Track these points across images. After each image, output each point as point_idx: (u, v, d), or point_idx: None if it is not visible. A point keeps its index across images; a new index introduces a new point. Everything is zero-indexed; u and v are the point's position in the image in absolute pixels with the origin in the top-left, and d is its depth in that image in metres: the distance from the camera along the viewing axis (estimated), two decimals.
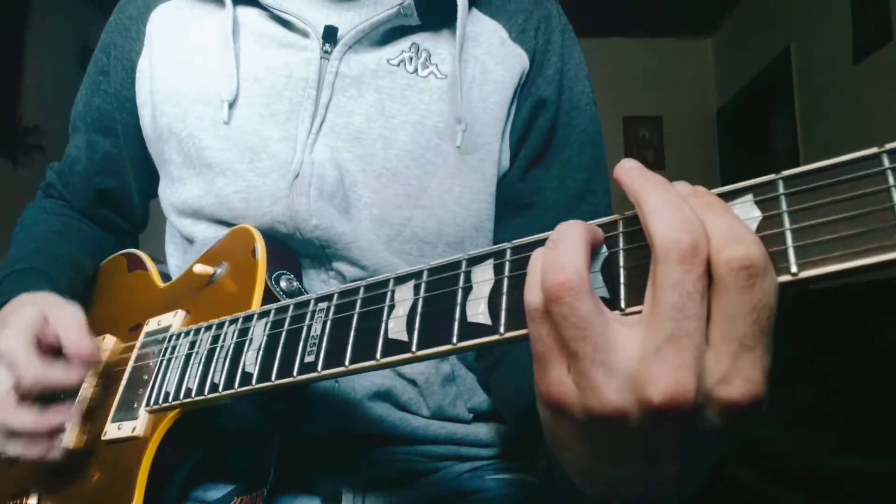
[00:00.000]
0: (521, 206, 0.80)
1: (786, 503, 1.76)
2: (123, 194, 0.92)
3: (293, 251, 0.73)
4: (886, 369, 2.18)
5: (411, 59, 0.76)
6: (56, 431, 0.64)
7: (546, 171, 0.80)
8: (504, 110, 0.77)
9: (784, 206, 0.31)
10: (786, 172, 0.31)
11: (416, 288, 0.44)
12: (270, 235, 0.71)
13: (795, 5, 3.71)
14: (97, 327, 0.80)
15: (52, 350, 0.66)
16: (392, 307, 0.45)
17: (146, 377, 0.66)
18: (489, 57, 0.77)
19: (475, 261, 0.42)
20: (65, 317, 0.67)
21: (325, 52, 0.74)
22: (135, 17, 0.84)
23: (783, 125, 3.99)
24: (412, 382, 0.74)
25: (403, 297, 0.44)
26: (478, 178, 0.76)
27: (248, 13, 0.78)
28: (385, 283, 0.47)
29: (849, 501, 1.63)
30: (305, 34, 0.75)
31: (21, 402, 0.63)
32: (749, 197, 0.32)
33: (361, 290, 0.48)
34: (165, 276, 0.83)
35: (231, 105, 0.74)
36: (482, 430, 0.77)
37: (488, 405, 0.78)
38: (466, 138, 0.75)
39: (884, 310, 2.05)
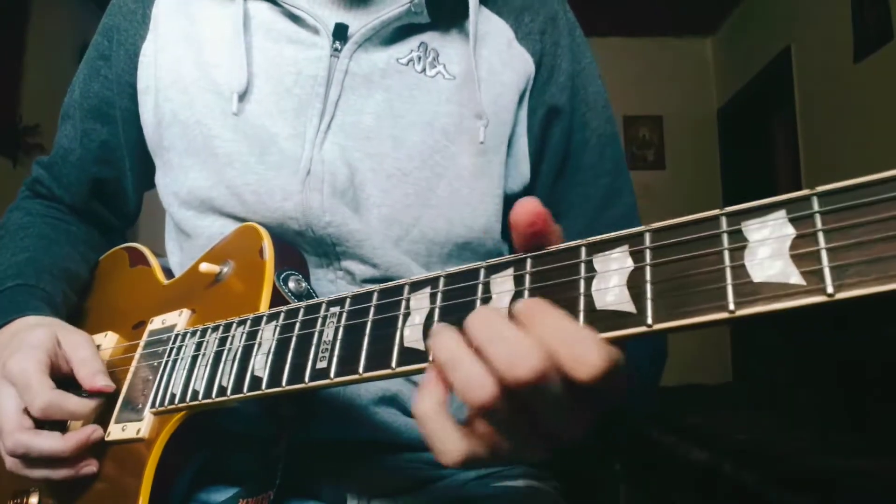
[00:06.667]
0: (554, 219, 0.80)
1: None
2: (117, 186, 0.89)
3: (301, 251, 0.72)
4: (887, 369, 2.18)
5: (420, 58, 0.75)
6: (82, 451, 0.63)
7: (569, 179, 0.80)
8: (511, 114, 0.77)
9: (819, 224, 0.30)
10: (821, 188, 0.30)
11: (433, 296, 0.43)
12: (280, 232, 0.71)
13: (795, 5, 3.71)
14: (98, 323, 0.79)
15: (62, 375, 0.65)
16: (408, 315, 0.44)
17: (150, 377, 0.65)
18: (497, 58, 0.77)
19: (494, 269, 0.42)
20: (78, 345, 0.67)
21: (335, 49, 0.74)
22: (140, 1, 0.82)
23: (783, 125, 3.98)
24: (419, 386, 0.73)
25: (419, 304, 0.44)
26: (486, 179, 0.75)
27: (258, 6, 0.77)
28: (400, 289, 0.46)
29: (850, 502, 1.64)
30: (316, 31, 0.74)
31: (37, 425, 0.62)
32: (782, 213, 0.32)
33: (375, 295, 0.47)
34: (167, 272, 0.82)
35: (241, 97, 0.73)
36: None
37: None
38: (486, 136, 0.74)
39: (884, 309, 2.06)
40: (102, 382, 0.64)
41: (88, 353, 0.66)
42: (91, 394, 0.64)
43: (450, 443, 0.40)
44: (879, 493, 1.60)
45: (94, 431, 0.63)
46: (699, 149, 4.62)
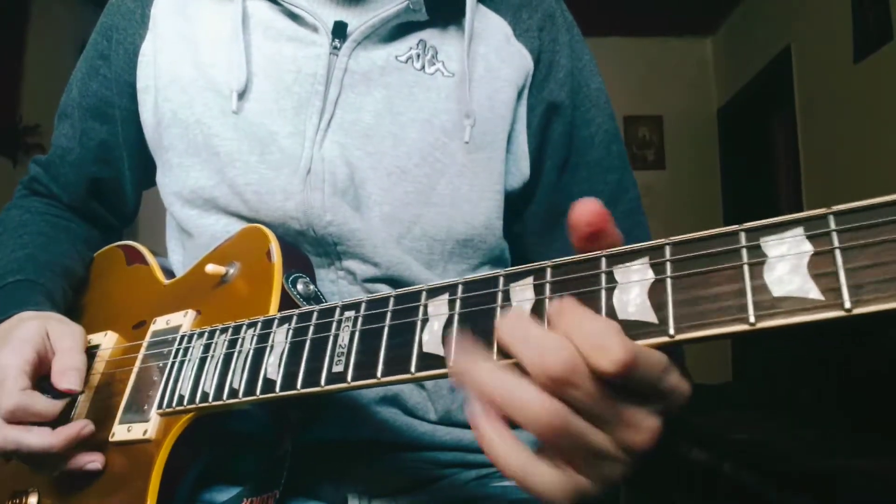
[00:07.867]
0: (558, 216, 0.80)
1: None
2: (116, 185, 0.89)
3: (306, 252, 0.73)
4: (886, 370, 2.19)
5: (419, 55, 0.76)
6: (73, 444, 0.62)
7: (574, 175, 0.80)
8: (510, 110, 0.77)
9: (836, 242, 0.31)
10: (837, 207, 0.31)
11: (451, 303, 0.44)
12: (282, 232, 0.71)
13: (795, 5, 3.70)
14: (96, 322, 0.78)
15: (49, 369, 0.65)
16: (426, 321, 0.44)
17: (155, 378, 0.64)
18: (495, 55, 0.77)
19: (513, 277, 0.42)
20: (63, 336, 0.66)
21: (335, 47, 0.74)
22: (139, 0, 0.82)
23: (783, 125, 3.99)
24: (420, 386, 0.73)
25: (438, 311, 0.44)
26: (486, 175, 0.76)
27: (257, 5, 0.77)
28: (416, 295, 0.46)
29: (850, 502, 1.64)
30: (315, 29, 0.74)
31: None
32: (800, 230, 0.32)
33: (391, 301, 0.47)
34: (166, 271, 0.81)
35: (240, 96, 0.74)
36: None
37: None
38: (474, 135, 0.74)
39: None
40: (68, 383, 0.62)
41: (71, 344, 0.65)
42: (59, 393, 0.63)
43: (542, 477, 0.39)
44: (879, 493, 1.61)
45: (84, 426, 0.62)
46: (699, 149, 4.63)
